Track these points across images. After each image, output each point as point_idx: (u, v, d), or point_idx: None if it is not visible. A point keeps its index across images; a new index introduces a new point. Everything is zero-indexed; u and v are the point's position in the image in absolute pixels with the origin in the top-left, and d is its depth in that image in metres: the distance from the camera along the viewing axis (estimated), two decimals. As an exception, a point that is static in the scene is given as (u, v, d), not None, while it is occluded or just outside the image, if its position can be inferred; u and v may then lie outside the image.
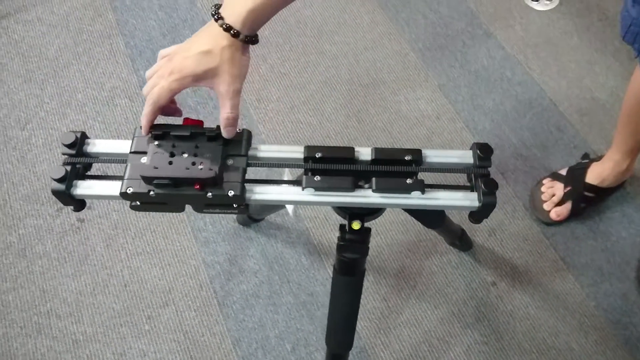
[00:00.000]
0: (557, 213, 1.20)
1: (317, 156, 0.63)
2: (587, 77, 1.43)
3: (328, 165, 0.62)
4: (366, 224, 0.69)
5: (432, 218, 0.89)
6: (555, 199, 1.21)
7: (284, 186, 0.64)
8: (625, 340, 1.10)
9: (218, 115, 0.61)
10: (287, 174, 0.86)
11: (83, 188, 0.62)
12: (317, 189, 0.62)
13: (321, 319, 1.12)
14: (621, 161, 1.15)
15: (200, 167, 0.60)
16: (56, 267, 1.17)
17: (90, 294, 1.14)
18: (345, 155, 0.63)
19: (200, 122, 0.64)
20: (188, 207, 0.64)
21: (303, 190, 0.62)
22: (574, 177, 1.21)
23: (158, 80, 0.60)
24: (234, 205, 0.62)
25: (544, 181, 1.25)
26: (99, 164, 0.65)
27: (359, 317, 0.82)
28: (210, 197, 0.59)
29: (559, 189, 1.21)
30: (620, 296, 1.14)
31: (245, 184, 0.61)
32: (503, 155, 1.32)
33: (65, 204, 0.63)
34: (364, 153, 0.64)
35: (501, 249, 1.20)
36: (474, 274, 1.17)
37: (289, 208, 0.89)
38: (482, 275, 1.17)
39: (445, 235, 1.14)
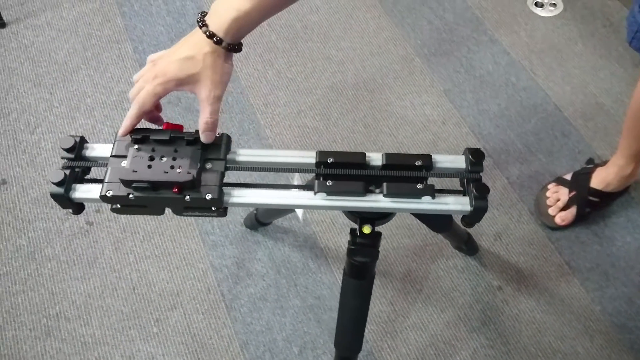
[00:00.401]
0: (562, 218, 1.21)
1: (329, 161, 0.64)
2: (591, 83, 1.45)
3: (340, 170, 0.63)
4: (376, 228, 0.70)
5: (440, 222, 0.90)
6: (560, 204, 1.21)
7: (295, 191, 0.65)
8: (630, 345, 1.11)
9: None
10: (297, 178, 0.87)
11: (81, 192, 0.63)
12: (329, 193, 0.63)
13: (328, 322, 1.13)
14: (626, 166, 1.16)
15: (178, 170, 0.61)
16: (65, 269, 1.18)
17: (99, 296, 1.15)
18: (356, 161, 0.64)
19: (180, 127, 0.65)
20: (168, 210, 0.65)
21: (315, 194, 0.63)
22: (579, 182, 1.22)
23: (143, 84, 0.61)
24: (212, 208, 0.62)
25: (549, 186, 1.26)
26: (99, 167, 0.65)
27: (367, 320, 0.83)
28: (189, 200, 0.60)
29: (563, 193, 1.22)
30: (626, 300, 1.15)
31: (223, 188, 0.62)
32: (508, 160, 1.33)
33: (64, 207, 0.64)
34: (375, 158, 0.65)
35: (507, 254, 1.21)
36: (480, 278, 1.18)
37: (299, 212, 0.90)
38: (488, 279, 1.18)
39: (452, 240, 1.15)
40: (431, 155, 0.65)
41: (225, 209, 0.64)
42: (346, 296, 0.79)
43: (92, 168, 0.66)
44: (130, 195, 0.60)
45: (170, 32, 1.54)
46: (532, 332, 1.12)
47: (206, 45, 0.60)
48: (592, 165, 1.25)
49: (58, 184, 0.62)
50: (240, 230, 1.23)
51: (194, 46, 0.61)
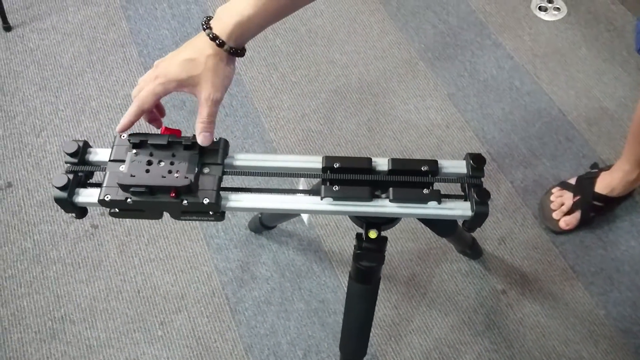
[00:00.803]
0: (566, 222, 1.21)
1: (335, 166, 0.64)
2: (595, 87, 1.45)
3: (346, 176, 0.63)
4: (382, 233, 0.70)
5: (445, 226, 0.90)
6: (565, 208, 1.21)
7: (300, 195, 0.65)
8: (635, 349, 1.11)
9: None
10: (302, 183, 0.88)
11: (84, 196, 0.63)
12: (335, 198, 0.63)
13: (332, 325, 1.13)
14: (631, 171, 1.16)
15: (176, 175, 0.61)
16: (70, 272, 1.19)
17: (103, 299, 1.16)
18: (363, 166, 0.64)
19: (178, 132, 0.66)
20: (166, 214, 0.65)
21: (322, 199, 0.63)
22: (583, 187, 1.22)
23: (144, 84, 0.62)
24: (210, 212, 0.63)
25: (553, 190, 1.26)
26: (102, 172, 0.65)
27: (372, 324, 0.83)
28: (186, 204, 0.61)
29: (568, 198, 1.22)
30: (630, 305, 1.15)
31: (221, 192, 0.62)
32: (512, 164, 1.33)
33: (67, 211, 0.65)
34: (381, 163, 0.65)
35: (511, 258, 1.21)
36: (484, 282, 1.18)
37: (304, 217, 0.90)
38: (492, 283, 1.18)
39: (456, 244, 1.15)
40: (437, 161, 0.65)
41: (223, 213, 0.64)
42: (352, 300, 0.80)
43: (96, 172, 0.66)
44: (128, 200, 0.61)
45: (175, 36, 1.54)
46: (537, 336, 1.12)
47: (209, 47, 0.61)
48: (596, 170, 1.25)
49: (61, 189, 0.63)
50: (245, 234, 1.23)
51: (197, 48, 0.61)
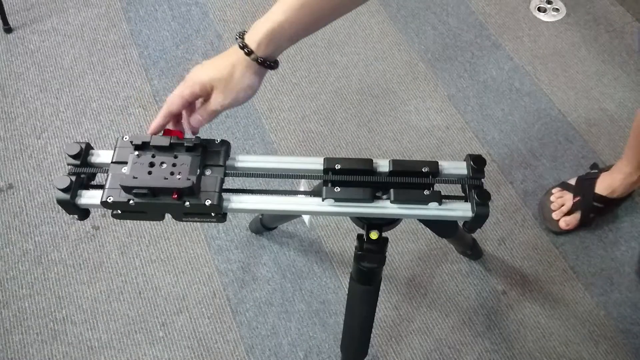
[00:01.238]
0: (566, 222, 1.21)
1: (336, 167, 0.64)
2: (595, 88, 1.45)
3: (347, 177, 0.64)
4: (383, 234, 0.70)
5: (445, 227, 0.91)
6: (565, 209, 1.22)
7: (301, 197, 0.66)
8: (635, 350, 1.11)
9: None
10: (303, 184, 0.88)
11: (87, 197, 0.64)
12: (337, 199, 0.63)
13: (333, 326, 1.13)
14: (632, 173, 1.16)
15: (178, 177, 0.61)
16: (72, 274, 1.19)
17: (105, 300, 1.16)
18: (364, 167, 0.65)
19: (180, 133, 0.66)
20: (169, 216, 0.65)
21: (323, 201, 0.63)
22: (584, 188, 1.22)
23: (176, 89, 0.64)
24: (212, 214, 0.63)
25: (553, 191, 1.26)
26: (104, 173, 0.66)
27: (373, 325, 0.83)
28: (188, 206, 0.61)
29: (568, 199, 1.22)
30: (630, 305, 1.15)
31: (222, 193, 0.63)
32: (512, 165, 1.33)
33: (70, 213, 0.65)
34: (382, 165, 0.66)
35: (511, 258, 1.21)
36: (485, 282, 1.18)
37: (306, 218, 0.91)
38: (493, 283, 1.18)
39: (457, 244, 1.15)
40: (438, 162, 0.65)
41: (225, 215, 0.64)
42: (353, 301, 0.80)
43: (98, 174, 0.66)
44: (131, 201, 0.61)
45: (175, 37, 1.55)
46: (537, 336, 1.13)
47: (237, 55, 0.62)
48: (596, 171, 1.25)
49: (64, 190, 0.63)
50: (246, 235, 1.24)
51: (226, 56, 0.62)
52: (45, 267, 1.19)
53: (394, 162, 0.65)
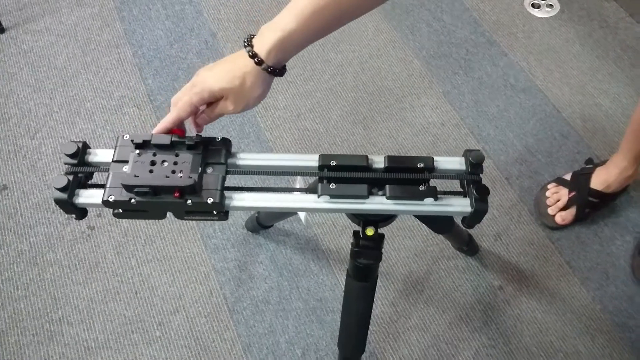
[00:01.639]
0: (562, 217, 1.21)
1: (332, 164, 0.64)
2: (589, 84, 1.45)
3: (343, 173, 0.64)
4: (379, 230, 0.70)
5: (441, 223, 0.91)
6: (560, 204, 1.22)
7: (297, 194, 0.66)
8: (631, 343, 1.11)
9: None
10: (299, 181, 0.88)
11: (85, 197, 0.63)
12: (332, 196, 0.63)
13: (331, 324, 1.13)
14: (628, 167, 1.17)
15: (179, 175, 0.61)
16: (67, 274, 1.18)
17: (101, 301, 1.16)
18: (359, 164, 0.64)
19: (181, 131, 0.66)
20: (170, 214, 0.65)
21: (319, 197, 0.63)
22: (579, 183, 1.22)
23: (183, 93, 0.64)
24: (214, 212, 0.63)
25: (549, 186, 1.26)
26: (101, 172, 0.66)
27: (370, 321, 0.83)
28: (190, 204, 0.61)
29: (563, 194, 1.23)
30: (626, 299, 1.16)
31: (224, 191, 0.63)
32: (508, 161, 1.33)
33: (68, 212, 0.65)
34: (377, 161, 0.66)
35: (507, 254, 1.21)
36: (481, 278, 1.19)
37: (302, 215, 0.91)
38: (489, 279, 1.19)
39: (453, 240, 1.16)
40: (432, 157, 0.65)
41: (227, 213, 0.64)
42: (350, 298, 0.80)
43: (95, 173, 0.66)
44: (132, 200, 0.61)
45: (169, 36, 1.54)
46: (534, 331, 1.13)
47: (247, 65, 0.61)
48: (591, 166, 1.25)
49: (62, 190, 0.62)
50: (242, 233, 1.23)
51: (236, 63, 0.62)
52: (41, 268, 1.19)
53: (390, 158, 0.65)
